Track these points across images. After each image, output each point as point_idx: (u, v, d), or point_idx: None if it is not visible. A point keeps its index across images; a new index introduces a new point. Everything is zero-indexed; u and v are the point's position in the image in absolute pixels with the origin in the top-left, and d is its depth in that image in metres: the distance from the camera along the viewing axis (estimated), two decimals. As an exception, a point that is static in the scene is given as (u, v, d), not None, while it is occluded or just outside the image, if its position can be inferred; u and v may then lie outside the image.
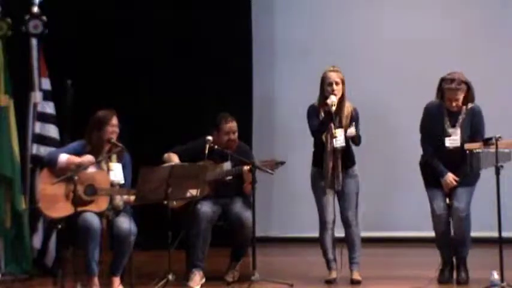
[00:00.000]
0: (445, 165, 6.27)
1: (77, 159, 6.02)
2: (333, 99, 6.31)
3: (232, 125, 6.61)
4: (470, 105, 6.31)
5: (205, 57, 8.49)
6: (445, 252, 6.39)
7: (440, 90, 6.32)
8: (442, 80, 6.30)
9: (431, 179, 6.34)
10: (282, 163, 6.45)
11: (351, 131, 6.29)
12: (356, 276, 6.42)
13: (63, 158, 6.05)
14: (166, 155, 6.58)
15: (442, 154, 6.28)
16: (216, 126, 6.60)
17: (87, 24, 8.29)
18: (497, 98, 7.89)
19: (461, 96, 6.24)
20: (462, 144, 6.18)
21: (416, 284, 6.29)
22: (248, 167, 6.41)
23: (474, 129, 6.27)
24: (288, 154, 7.67)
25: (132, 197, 6.01)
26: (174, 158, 6.52)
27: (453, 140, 6.25)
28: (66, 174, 5.90)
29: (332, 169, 6.35)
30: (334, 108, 6.29)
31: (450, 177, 6.25)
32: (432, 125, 6.34)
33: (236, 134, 6.63)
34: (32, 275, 6.85)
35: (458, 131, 6.26)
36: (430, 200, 6.35)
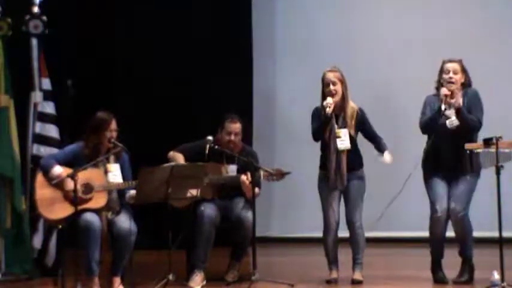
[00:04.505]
0: (447, 149, 6.21)
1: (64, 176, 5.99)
2: (328, 101, 6.28)
3: (236, 126, 6.59)
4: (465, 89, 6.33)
5: (205, 57, 8.48)
6: (437, 252, 6.36)
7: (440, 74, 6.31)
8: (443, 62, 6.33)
9: (433, 176, 6.31)
10: (288, 173, 6.44)
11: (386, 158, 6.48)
12: (357, 276, 6.41)
13: (56, 172, 6.05)
14: (171, 153, 6.56)
15: (443, 138, 6.22)
16: (221, 124, 6.59)
17: (87, 24, 8.29)
18: (497, 98, 7.87)
19: (458, 68, 6.24)
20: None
21: (416, 284, 6.28)
22: (245, 177, 6.40)
23: (472, 113, 6.23)
24: (289, 154, 7.69)
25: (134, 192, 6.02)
26: (179, 159, 6.50)
27: (452, 120, 6.19)
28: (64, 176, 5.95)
29: (336, 169, 6.36)
30: (329, 110, 6.27)
31: (443, 89, 6.19)
32: (431, 110, 6.30)
33: (238, 137, 6.60)
34: (32, 275, 6.85)
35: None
36: (431, 201, 6.32)
